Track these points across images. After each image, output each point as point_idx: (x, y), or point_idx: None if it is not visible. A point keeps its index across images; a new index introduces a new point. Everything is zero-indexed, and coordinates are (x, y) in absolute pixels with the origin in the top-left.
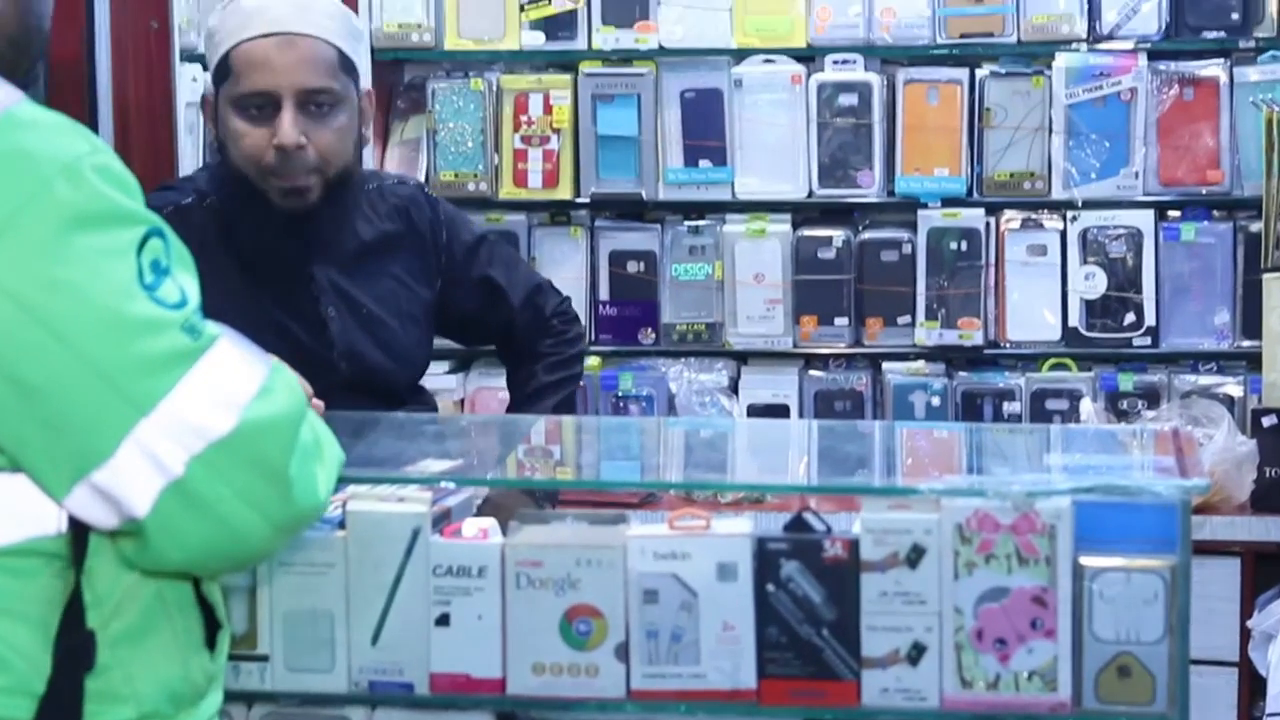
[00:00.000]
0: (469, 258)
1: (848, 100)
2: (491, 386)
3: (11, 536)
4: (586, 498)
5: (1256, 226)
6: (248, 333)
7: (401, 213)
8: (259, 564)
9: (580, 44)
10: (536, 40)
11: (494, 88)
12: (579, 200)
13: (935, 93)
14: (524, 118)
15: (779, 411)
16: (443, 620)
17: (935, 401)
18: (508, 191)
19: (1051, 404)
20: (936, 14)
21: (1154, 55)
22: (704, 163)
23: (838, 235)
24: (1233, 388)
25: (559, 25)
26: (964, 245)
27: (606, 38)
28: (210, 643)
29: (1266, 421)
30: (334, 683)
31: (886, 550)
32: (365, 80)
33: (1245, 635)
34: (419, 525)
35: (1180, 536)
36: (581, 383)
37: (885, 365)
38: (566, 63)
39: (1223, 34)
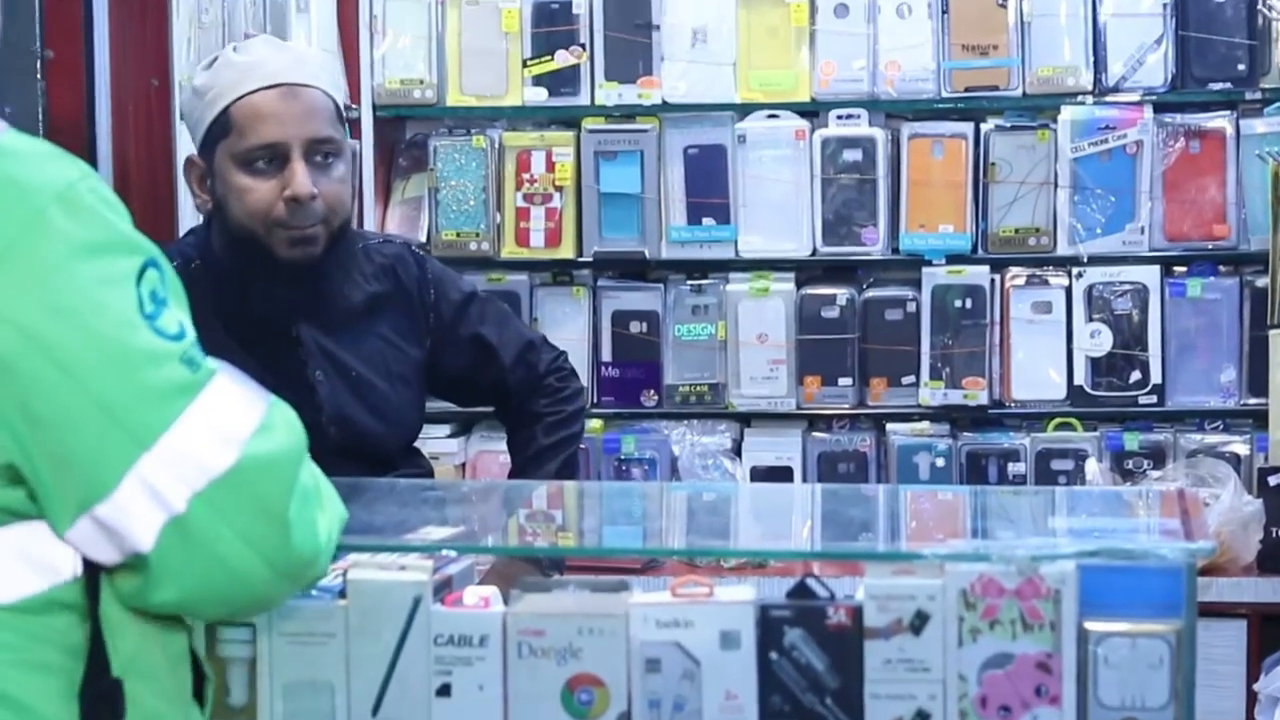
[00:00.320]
0: (458, 316)
1: (852, 155)
2: (493, 450)
3: (33, 588)
4: (589, 563)
5: (1263, 282)
6: None
7: (388, 272)
8: (256, 614)
9: (583, 100)
10: (539, 96)
11: (496, 145)
12: (581, 259)
13: (940, 147)
14: (526, 175)
15: (782, 474)
16: (444, 690)
17: (940, 463)
18: (510, 251)
19: (1057, 464)
20: (941, 67)
21: (1160, 107)
22: (707, 220)
23: (841, 294)
24: (1239, 446)
25: (562, 81)
26: (968, 303)
27: (609, 93)
28: (198, 695)
29: (1273, 480)
30: None
31: (890, 617)
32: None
33: (1252, 699)
34: (420, 594)
35: (1186, 600)
36: (584, 445)
37: (889, 426)
38: (569, 119)
39: (1229, 85)
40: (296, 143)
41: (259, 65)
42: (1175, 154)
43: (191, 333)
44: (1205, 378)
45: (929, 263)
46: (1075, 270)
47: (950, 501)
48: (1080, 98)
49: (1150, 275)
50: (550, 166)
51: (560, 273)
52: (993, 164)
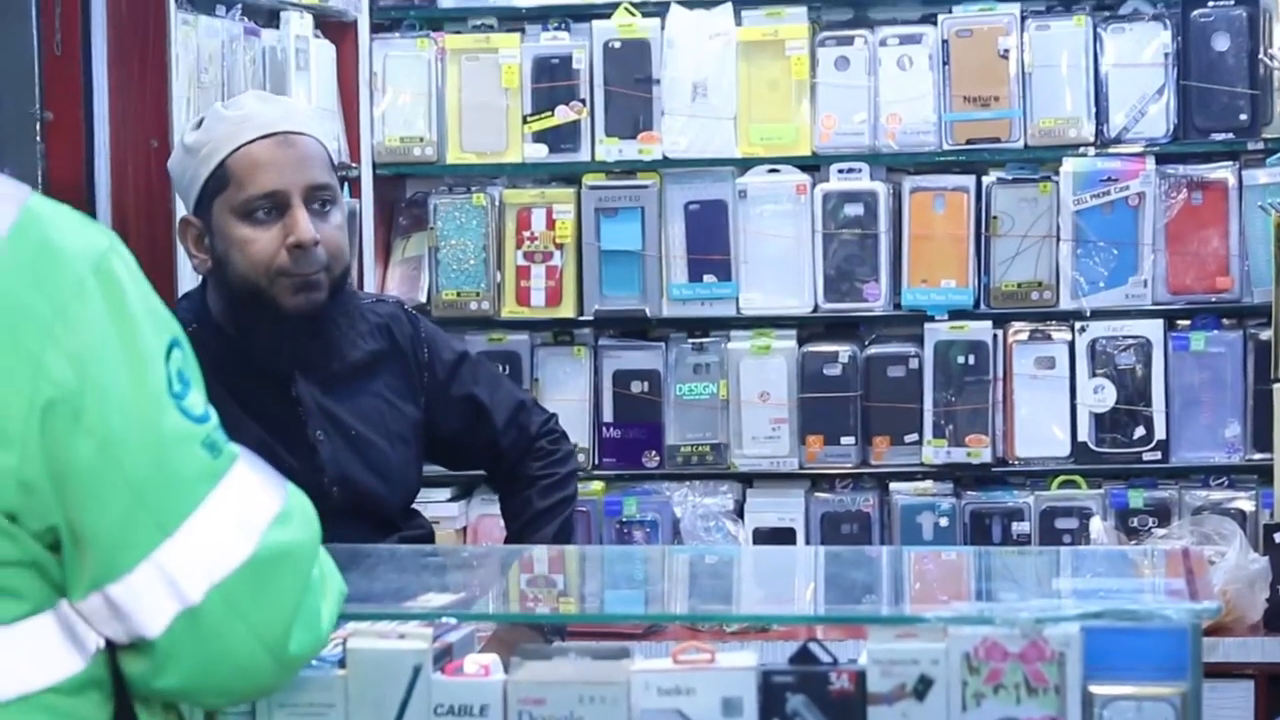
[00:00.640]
0: (451, 376)
1: (853, 210)
2: (494, 514)
3: (73, 667)
4: (590, 628)
5: (1267, 334)
6: None
7: (383, 331)
8: (250, 701)
9: (584, 155)
10: (539, 153)
11: (497, 202)
12: (583, 318)
13: (942, 200)
14: (527, 233)
15: (785, 535)
16: None
17: (943, 522)
18: (510, 310)
19: (1061, 522)
20: (942, 119)
21: (1162, 159)
22: (708, 277)
23: (843, 351)
24: (1244, 502)
25: (562, 137)
26: (971, 359)
27: (610, 149)
28: None
29: (1279, 537)
30: None
31: (894, 682)
32: None
33: None
34: (420, 663)
35: (1191, 661)
36: (585, 508)
37: (892, 485)
38: (570, 175)
39: (1231, 135)
40: (296, 190)
41: (252, 117)
42: (1178, 205)
43: (214, 416)
44: (1210, 433)
45: (931, 318)
46: (1078, 325)
47: (954, 563)
48: (1082, 149)
49: (1154, 329)
50: (551, 224)
51: (561, 332)
52: (995, 217)
